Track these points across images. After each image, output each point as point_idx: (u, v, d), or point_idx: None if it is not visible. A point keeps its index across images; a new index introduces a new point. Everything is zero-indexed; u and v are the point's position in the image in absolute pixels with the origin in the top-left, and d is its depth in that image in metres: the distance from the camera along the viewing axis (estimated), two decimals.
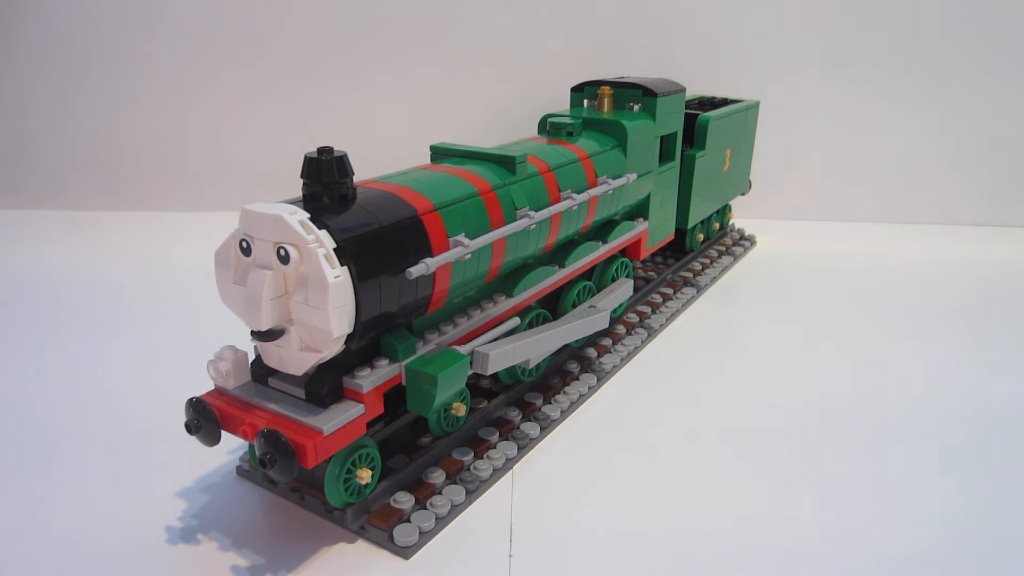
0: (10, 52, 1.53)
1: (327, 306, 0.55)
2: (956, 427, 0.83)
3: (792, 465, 0.76)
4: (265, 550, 0.64)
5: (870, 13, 1.42)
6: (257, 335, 0.59)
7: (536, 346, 0.76)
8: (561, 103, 1.17)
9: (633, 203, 1.02)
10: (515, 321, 0.77)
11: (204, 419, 0.61)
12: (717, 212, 1.38)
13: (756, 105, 1.39)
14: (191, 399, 0.62)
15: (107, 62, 1.52)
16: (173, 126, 1.56)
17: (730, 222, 1.46)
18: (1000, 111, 1.47)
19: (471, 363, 0.69)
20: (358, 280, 0.57)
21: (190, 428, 0.62)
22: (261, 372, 0.64)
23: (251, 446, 0.68)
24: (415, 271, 0.61)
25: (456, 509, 0.67)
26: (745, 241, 1.42)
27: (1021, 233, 1.50)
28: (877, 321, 1.11)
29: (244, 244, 0.59)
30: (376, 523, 0.64)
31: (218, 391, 0.64)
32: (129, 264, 1.34)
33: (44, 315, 1.13)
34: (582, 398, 0.87)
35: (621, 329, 1.02)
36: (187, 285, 1.23)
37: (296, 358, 0.60)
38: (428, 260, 0.62)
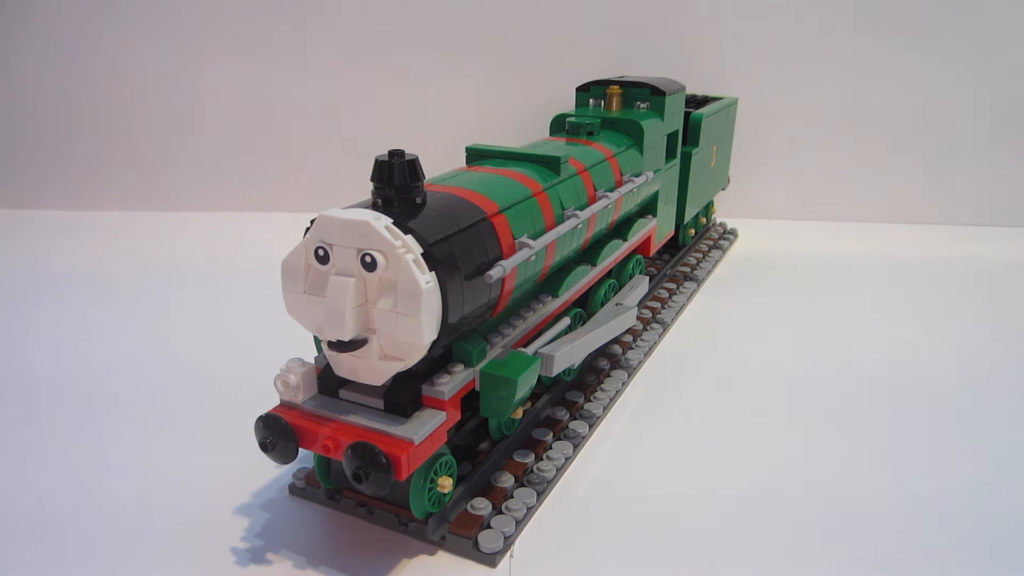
0: (14, 52, 1.53)
1: (420, 313, 0.54)
2: (942, 393, 0.90)
3: (837, 438, 0.79)
4: (345, 568, 0.61)
5: (851, 7, 1.47)
6: (337, 345, 0.57)
7: (588, 345, 0.77)
8: (557, 103, 1.18)
9: (644, 201, 1.04)
10: (566, 321, 0.77)
11: (280, 436, 0.59)
12: (703, 207, 1.41)
13: (735, 102, 1.44)
14: (263, 416, 0.59)
15: (110, 62, 1.55)
16: (172, 125, 1.59)
17: (713, 216, 1.50)
18: (975, 107, 1.52)
19: None
20: (446, 285, 0.56)
21: (265, 447, 0.59)
22: (330, 384, 0.62)
23: (318, 461, 0.65)
24: (494, 274, 0.60)
25: (531, 511, 0.67)
26: (729, 235, 1.47)
27: (986, 232, 1.58)
28: (865, 304, 1.18)
29: (321, 252, 0.57)
30: (459, 531, 0.63)
31: (285, 406, 0.62)
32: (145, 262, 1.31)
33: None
34: (618, 394, 0.88)
35: (638, 325, 1.04)
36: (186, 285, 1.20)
37: (375, 368, 0.58)
38: (503, 262, 0.62)
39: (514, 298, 0.75)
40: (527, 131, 1.26)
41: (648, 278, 1.02)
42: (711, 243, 1.40)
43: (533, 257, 0.67)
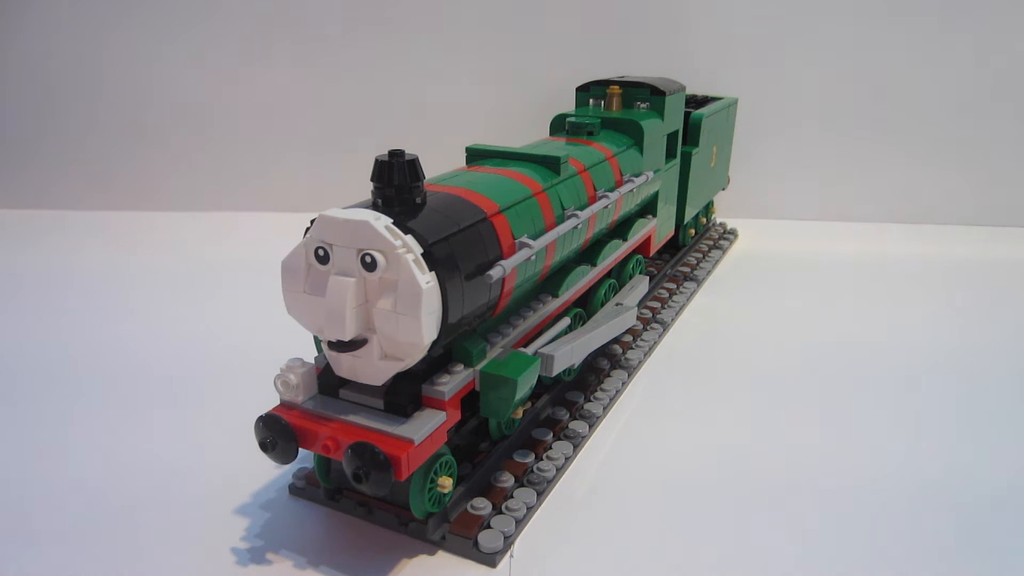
0: (11, 50, 1.53)
1: (420, 313, 0.54)
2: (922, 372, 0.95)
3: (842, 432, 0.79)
4: (345, 568, 0.61)
5: (852, 7, 1.46)
6: (338, 345, 0.57)
7: (588, 345, 0.77)
8: (558, 103, 1.18)
9: (644, 201, 1.04)
10: (566, 321, 0.77)
11: (279, 436, 0.59)
12: (703, 207, 1.41)
13: (735, 102, 1.44)
14: (263, 416, 0.59)
15: (114, 62, 1.56)
16: (172, 125, 1.59)
17: (713, 216, 1.50)
18: (976, 107, 1.51)
19: None
20: (446, 285, 0.56)
21: (265, 447, 0.59)
22: (330, 384, 0.62)
23: (318, 461, 0.65)
24: (495, 273, 0.60)
25: (531, 511, 0.67)
26: (729, 235, 1.47)
27: (986, 232, 1.57)
28: (865, 303, 1.18)
29: (321, 252, 0.57)
30: (459, 531, 0.62)
31: (285, 406, 0.62)
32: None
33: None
34: (618, 394, 0.88)
35: (638, 324, 1.04)
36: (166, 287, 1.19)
37: (375, 368, 0.58)
38: (504, 262, 0.62)
39: (514, 298, 0.75)
40: (527, 131, 1.26)
41: (648, 278, 1.02)
42: (711, 243, 1.40)
43: (533, 257, 0.67)
